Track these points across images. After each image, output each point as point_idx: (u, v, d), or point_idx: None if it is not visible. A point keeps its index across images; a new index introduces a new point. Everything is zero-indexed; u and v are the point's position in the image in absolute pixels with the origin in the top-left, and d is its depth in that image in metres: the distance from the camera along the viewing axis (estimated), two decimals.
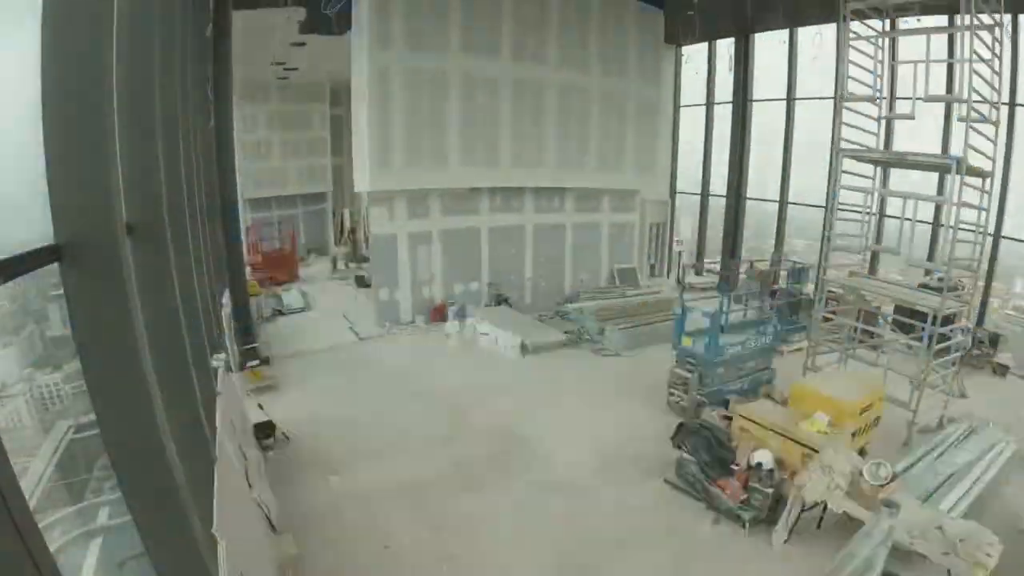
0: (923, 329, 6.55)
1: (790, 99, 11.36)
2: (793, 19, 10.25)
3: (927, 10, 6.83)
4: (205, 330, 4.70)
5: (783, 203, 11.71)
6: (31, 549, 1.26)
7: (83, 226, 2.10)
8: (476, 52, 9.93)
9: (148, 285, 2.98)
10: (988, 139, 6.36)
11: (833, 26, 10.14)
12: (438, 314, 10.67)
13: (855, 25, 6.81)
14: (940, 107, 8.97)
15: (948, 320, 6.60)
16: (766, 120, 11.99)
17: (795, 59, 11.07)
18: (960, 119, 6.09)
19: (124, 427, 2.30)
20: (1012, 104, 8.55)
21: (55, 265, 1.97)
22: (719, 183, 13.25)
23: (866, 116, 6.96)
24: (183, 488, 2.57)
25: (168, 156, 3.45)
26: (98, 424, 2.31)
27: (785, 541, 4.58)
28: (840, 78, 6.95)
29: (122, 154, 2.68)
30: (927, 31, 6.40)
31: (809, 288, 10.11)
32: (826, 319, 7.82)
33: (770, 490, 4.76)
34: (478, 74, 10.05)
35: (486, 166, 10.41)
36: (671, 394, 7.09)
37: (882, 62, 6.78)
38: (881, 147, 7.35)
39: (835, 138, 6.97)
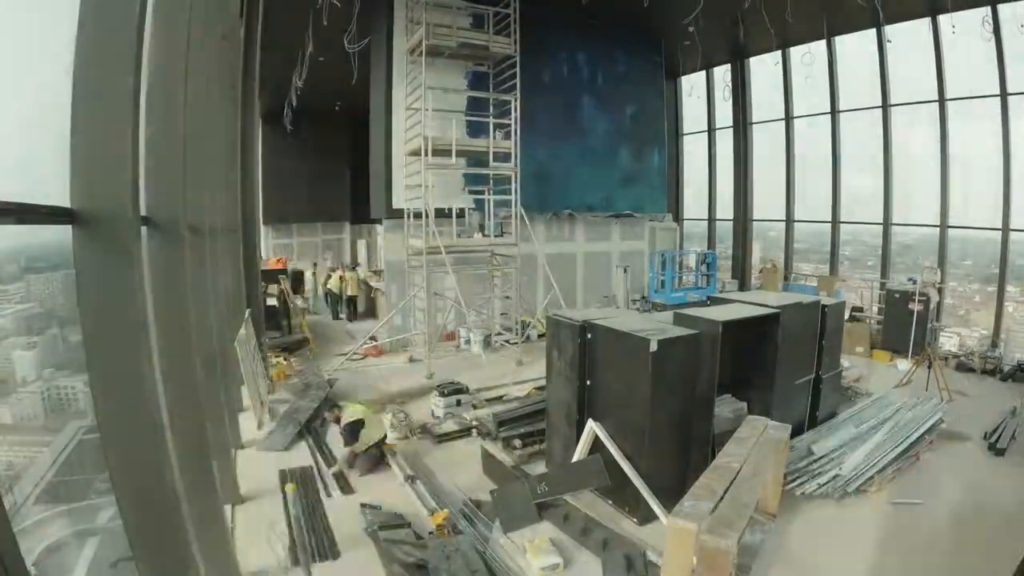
0: None
1: (788, 118, 11.46)
2: (784, 40, 10.53)
3: None
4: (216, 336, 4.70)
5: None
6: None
7: (99, 198, 2.12)
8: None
9: (159, 273, 3.01)
10: None
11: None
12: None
13: None
14: None
15: None
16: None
17: (790, 78, 11.28)
18: None
19: (122, 415, 2.22)
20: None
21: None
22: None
23: None
24: (176, 482, 2.46)
25: (191, 158, 3.57)
26: (94, 405, 2.24)
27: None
28: None
29: (145, 149, 2.77)
30: None
31: None
32: None
33: None
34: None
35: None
36: None
37: None
38: None
39: None
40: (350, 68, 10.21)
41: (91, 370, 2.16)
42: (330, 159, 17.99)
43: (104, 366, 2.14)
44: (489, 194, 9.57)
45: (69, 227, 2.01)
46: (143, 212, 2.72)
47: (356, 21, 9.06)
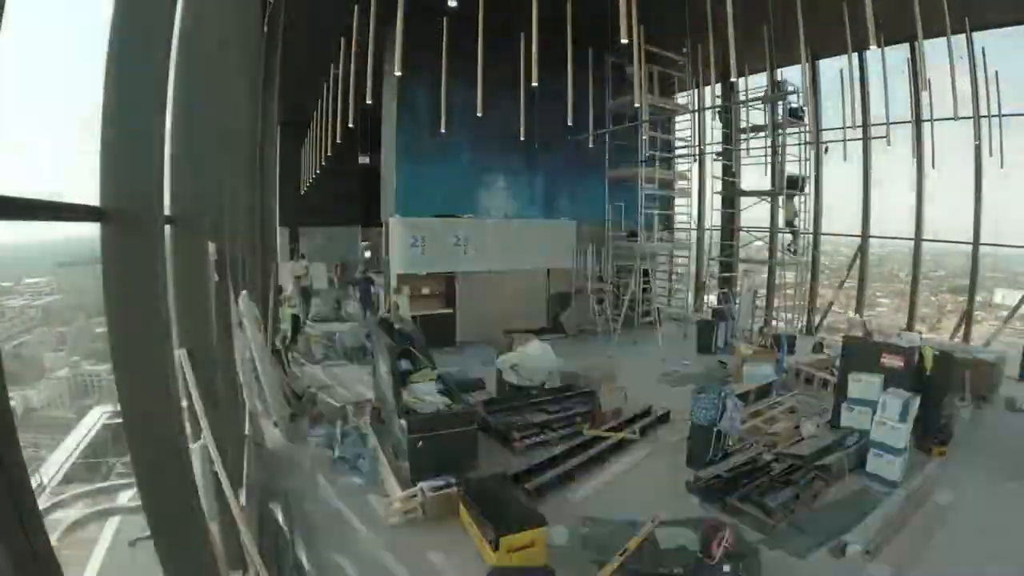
0: None
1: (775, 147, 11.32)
2: (775, 62, 10.47)
3: None
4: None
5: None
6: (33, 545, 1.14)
7: (126, 198, 2.10)
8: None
9: (181, 269, 3.00)
10: None
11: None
12: None
13: None
14: None
15: None
16: None
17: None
18: None
19: (144, 403, 2.19)
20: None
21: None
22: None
23: None
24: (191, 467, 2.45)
25: (217, 162, 3.56)
26: (118, 393, 2.22)
27: None
28: None
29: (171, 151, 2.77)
30: None
31: None
32: None
33: None
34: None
35: None
36: None
37: None
38: None
39: None
40: (364, 81, 10.24)
41: (115, 359, 2.16)
42: (341, 163, 17.99)
43: (127, 356, 2.14)
44: None
45: (97, 224, 2.01)
46: (167, 212, 2.71)
47: (372, 39, 9.07)
